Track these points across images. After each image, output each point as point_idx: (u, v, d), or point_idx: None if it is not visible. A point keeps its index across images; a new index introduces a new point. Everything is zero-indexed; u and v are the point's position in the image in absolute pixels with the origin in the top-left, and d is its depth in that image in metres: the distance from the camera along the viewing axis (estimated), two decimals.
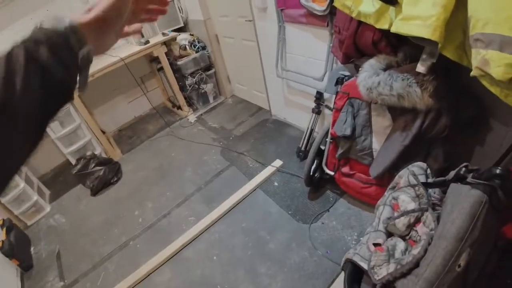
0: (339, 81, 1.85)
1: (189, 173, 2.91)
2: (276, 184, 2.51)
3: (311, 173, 2.18)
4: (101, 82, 3.21)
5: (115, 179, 3.08)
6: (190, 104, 3.84)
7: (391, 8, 1.32)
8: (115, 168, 3.12)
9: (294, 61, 2.52)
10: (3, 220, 2.66)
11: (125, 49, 3.42)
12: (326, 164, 2.11)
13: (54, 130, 3.04)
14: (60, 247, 2.64)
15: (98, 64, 3.16)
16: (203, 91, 3.71)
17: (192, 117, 3.73)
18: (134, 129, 4.00)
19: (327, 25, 1.95)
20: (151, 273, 2.12)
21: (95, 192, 2.99)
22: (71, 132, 3.14)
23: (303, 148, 2.60)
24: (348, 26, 1.60)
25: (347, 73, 1.85)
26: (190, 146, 3.28)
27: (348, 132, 1.71)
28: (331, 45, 2.01)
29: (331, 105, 2.24)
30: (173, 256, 2.18)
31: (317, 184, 2.31)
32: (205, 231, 2.29)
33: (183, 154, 3.20)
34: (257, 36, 2.77)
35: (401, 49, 1.53)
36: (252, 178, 2.60)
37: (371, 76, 1.45)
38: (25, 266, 2.56)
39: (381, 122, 1.65)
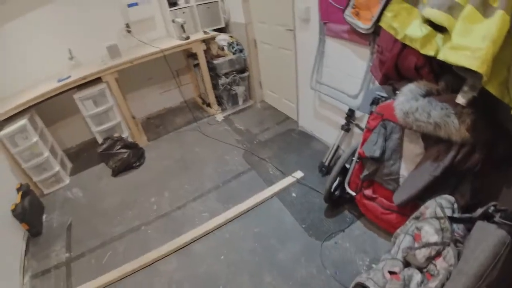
0: (375, 101, 1.82)
1: (210, 170, 2.95)
2: (294, 195, 2.49)
3: (332, 190, 2.16)
4: (139, 69, 3.33)
5: (138, 164, 3.17)
6: (219, 103, 3.89)
7: (439, 35, 1.31)
8: (139, 153, 3.22)
9: (330, 75, 2.51)
10: (21, 184, 2.80)
11: (166, 41, 3.55)
12: (348, 184, 2.08)
13: (87, 107, 3.15)
14: (72, 220, 2.74)
15: (139, 52, 3.28)
16: (234, 92, 3.76)
17: (219, 116, 3.79)
18: (162, 119, 4.10)
19: (369, 44, 1.93)
20: (157, 261, 2.15)
21: (116, 173, 3.09)
22: (103, 112, 3.25)
23: (326, 164, 2.58)
24: (391, 47, 1.58)
25: (384, 94, 1.82)
26: (214, 144, 3.32)
27: (377, 154, 1.68)
28: (370, 64, 1.99)
29: (362, 125, 2.25)
30: (181, 248, 2.21)
31: (336, 202, 2.27)
32: (217, 229, 2.30)
33: (206, 151, 3.25)
34: (296, 46, 2.79)
35: (443, 77, 1.49)
36: (271, 185, 2.59)
37: (409, 100, 1.42)
38: (34, 232, 2.66)
39: (412, 149, 1.61)
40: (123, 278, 2.09)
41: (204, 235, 2.27)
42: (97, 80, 3.12)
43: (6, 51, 3.15)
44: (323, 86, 2.59)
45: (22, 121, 2.82)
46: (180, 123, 3.89)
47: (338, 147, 2.51)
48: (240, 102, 3.90)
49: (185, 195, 2.70)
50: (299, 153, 2.94)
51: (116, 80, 3.19)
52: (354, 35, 2.02)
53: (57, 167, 3.11)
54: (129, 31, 3.61)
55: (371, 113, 1.79)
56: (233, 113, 3.85)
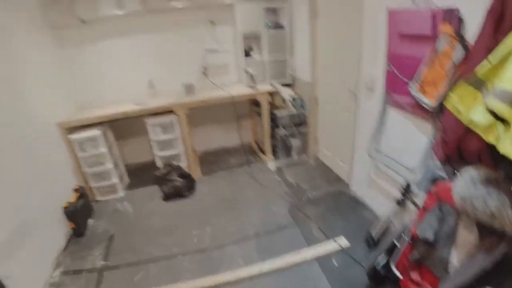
0: (434, 180, 1.76)
1: (254, 216, 2.97)
2: (335, 263, 2.36)
3: (377, 267, 2.02)
4: (208, 108, 3.63)
5: (188, 194, 3.33)
6: (274, 152, 4.00)
7: (500, 124, 1.27)
8: (191, 184, 3.39)
9: (389, 145, 2.48)
10: (80, 187, 3.09)
11: (235, 87, 3.86)
12: (396, 264, 1.93)
13: (156, 133, 3.47)
14: (116, 231, 2.92)
15: (211, 93, 3.62)
16: (289, 144, 3.85)
17: (272, 165, 3.87)
18: (218, 156, 4.32)
19: (433, 120, 1.91)
20: None
21: (167, 198, 3.26)
22: (168, 140, 3.53)
23: (374, 236, 2.45)
24: (455, 129, 1.55)
25: (443, 174, 1.75)
26: (262, 191, 3.37)
27: (430, 237, 1.59)
28: (432, 140, 1.94)
29: (418, 202, 2.13)
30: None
31: (380, 281, 2.10)
32: (250, 280, 2.25)
33: (253, 196, 3.30)
34: (357, 110, 2.83)
35: (503, 166, 1.42)
36: (313, 245, 2.52)
37: (468, 186, 1.36)
38: (78, 232, 2.88)
39: (466, 236, 1.50)
40: None
41: (236, 282, 2.23)
42: (170, 111, 3.44)
43: (97, 66, 3.71)
44: (382, 154, 2.55)
45: (96, 132, 3.21)
46: (233, 163, 4.05)
47: (389, 220, 2.39)
48: (294, 155, 3.96)
49: (225, 235, 2.73)
50: (347, 218, 2.84)
51: (185, 115, 3.48)
52: (418, 109, 2.01)
53: (116, 179, 3.40)
54: (205, 73, 4.00)
55: (428, 192, 1.72)
56: (285, 164, 3.91)
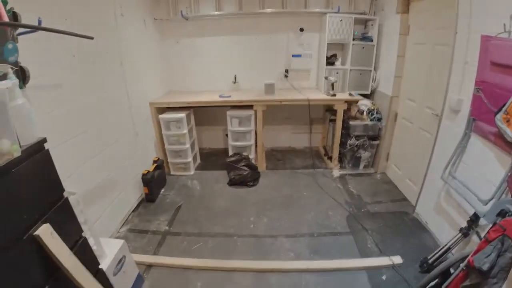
0: (502, 213, 1.69)
1: (310, 217, 3.05)
2: (384, 278, 2.33)
3: None
4: (283, 108, 3.84)
5: (251, 184, 3.58)
6: (340, 160, 4.00)
7: None
8: (256, 176, 3.62)
9: (465, 172, 2.35)
10: (158, 158, 3.56)
11: (312, 92, 3.98)
12: None
13: (233, 124, 3.78)
14: (183, 203, 3.28)
15: (289, 95, 3.79)
16: (358, 155, 3.81)
17: (336, 172, 3.88)
18: (284, 155, 4.50)
19: None
20: (235, 271, 2.36)
21: (232, 183, 3.55)
22: (242, 132, 3.81)
23: (430, 261, 2.33)
24: None
25: None
26: (322, 195, 3.43)
27: (485, 267, 1.53)
28: (509, 174, 1.82)
29: (482, 234, 2.04)
30: (260, 272, 2.35)
31: None
32: (297, 273, 2.36)
33: (313, 198, 3.38)
34: (438, 132, 2.71)
35: None
36: (365, 257, 2.51)
37: None
38: (150, 198, 3.31)
39: None
40: (202, 269, 2.38)
41: (283, 272, 2.35)
42: (248, 106, 3.72)
43: (190, 58, 4.21)
44: (455, 181, 2.41)
45: (181, 114, 3.64)
46: (298, 164, 4.17)
47: (449, 249, 2.26)
48: (361, 166, 3.90)
49: (280, 228, 2.87)
50: (405, 239, 2.73)
51: (262, 112, 3.72)
52: (500, 140, 1.91)
53: (190, 159, 3.82)
54: (286, 76, 4.21)
55: (494, 224, 1.65)
56: (350, 174, 3.88)
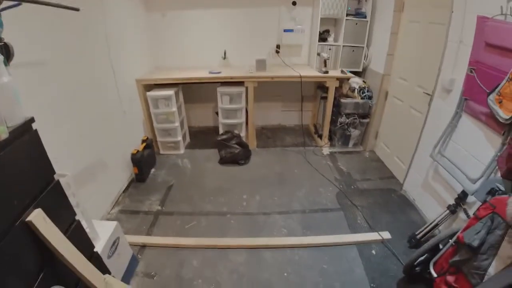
0: (492, 192, 1.76)
1: (301, 194, 3.09)
2: (373, 252, 2.42)
3: (414, 264, 2.04)
4: (274, 85, 3.76)
5: (243, 162, 3.58)
6: (330, 138, 4.03)
7: None
8: (247, 154, 3.61)
9: (454, 151, 2.41)
10: (147, 138, 3.49)
11: (304, 69, 3.91)
12: (434, 264, 1.94)
13: (223, 101, 3.71)
14: (174, 183, 3.26)
15: (280, 71, 3.72)
16: (348, 133, 3.84)
17: (326, 150, 3.92)
18: (275, 133, 4.50)
19: (503, 134, 1.85)
20: (229, 248, 2.40)
21: (223, 162, 3.55)
22: (233, 109, 3.76)
23: (418, 237, 2.43)
24: None
25: (502, 188, 1.74)
26: (313, 172, 3.47)
27: (475, 243, 1.60)
28: (498, 154, 1.89)
29: (470, 212, 2.15)
30: (254, 248, 2.40)
31: (414, 277, 2.13)
32: (290, 248, 2.42)
33: (304, 176, 3.42)
34: (429, 111, 2.74)
35: None
36: (355, 232, 2.59)
37: None
38: (140, 178, 3.28)
39: (509, 250, 1.52)
40: (196, 248, 2.41)
41: (277, 248, 2.40)
42: (239, 83, 3.63)
43: (178, 33, 4.03)
44: (444, 159, 2.47)
45: (170, 92, 3.54)
46: (289, 142, 4.17)
47: (436, 225, 2.36)
48: (350, 144, 3.95)
49: (272, 205, 2.91)
50: (393, 215, 2.82)
51: (253, 88, 3.64)
52: (491, 120, 1.95)
53: (180, 138, 3.76)
54: (277, 52, 4.11)
55: (484, 202, 1.71)
56: (340, 152, 3.93)
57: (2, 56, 1.03)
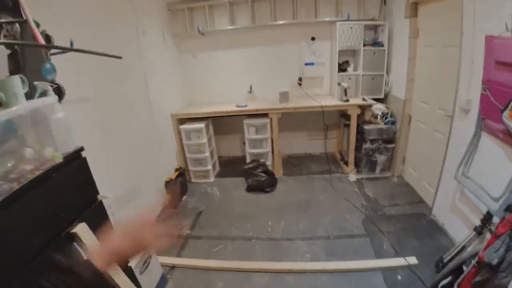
0: (510, 208, 1.73)
1: (326, 220, 3.12)
2: (399, 278, 2.36)
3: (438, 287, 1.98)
4: (297, 115, 3.95)
5: (269, 189, 3.70)
6: (357, 165, 4.04)
7: None
8: (273, 182, 3.74)
9: (477, 171, 2.36)
10: (180, 166, 3.76)
11: (326, 98, 4.07)
12: (458, 286, 1.88)
13: (250, 132, 3.93)
14: (204, 209, 3.44)
15: (303, 102, 3.90)
16: (374, 159, 3.84)
17: (352, 177, 3.93)
18: (301, 161, 4.60)
19: None
20: (253, 271, 2.47)
21: (250, 189, 3.69)
22: (259, 140, 3.96)
23: (445, 261, 2.35)
24: None
25: None
26: (339, 199, 3.49)
27: (494, 262, 1.56)
28: None
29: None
30: (277, 272, 2.46)
31: None
32: (313, 274, 2.43)
33: (329, 203, 3.44)
34: (450, 132, 2.73)
35: None
36: (380, 258, 2.54)
37: None
38: (173, 204, 3.46)
39: None
40: (222, 270, 2.51)
41: (300, 273, 2.44)
42: (264, 114, 3.86)
43: (207, 71, 4.43)
44: (468, 180, 2.42)
45: (201, 125, 3.84)
46: (314, 170, 4.25)
47: (464, 248, 2.27)
48: (377, 170, 3.93)
49: (296, 231, 2.96)
50: (421, 241, 2.74)
51: (278, 119, 3.85)
52: (508, 137, 1.94)
53: (210, 167, 4.01)
54: (300, 84, 4.33)
55: (502, 219, 1.68)
56: (366, 178, 3.91)
57: (56, 96, 1.32)
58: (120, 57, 1.95)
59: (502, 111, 1.93)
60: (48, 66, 1.38)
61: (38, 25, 1.33)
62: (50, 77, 1.38)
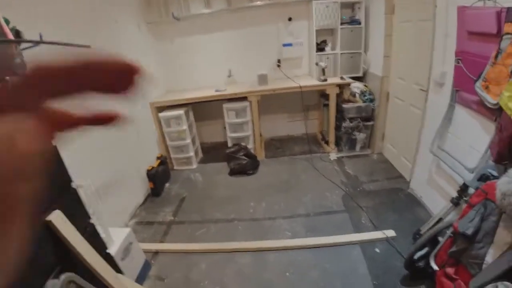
0: (483, 178, 1.76)
1: (307, 199, 3.17)
2: (377, 250, 2.44)
3: (416, 258, 2.06)
4: (277, 97, 3.94)
5: (251, 172, 3.73)
6: (337, 143, 4.09)
7: None
8: (255, 165, 3.76)
9: (452, 143, 2.42)
10: (161, 155, 3.75)
11: (306, 79, 4.06)
12: (435, 256, 1.95)
13: (230, 116, 3.93)
14: (187, 195, 3.45)
15: (282, 84, 3.89)
16: (354, 137, 3.90)
17: (333, 155, 3.98)
18: (283, 143, 4.63)
19: (495, 120, 1.85)
20: (236, 252, 2.51)
21: (232, 173, 3.71)
22: (240, 123, 3.96)
23: (422, 233, 2.43)
24: (509, 126, 1.53)
25: (494, 173, 1.74)
26: (319, 178, 3.54)
27: (469, 232, 1.60)
28: (491, 139, 1.89)
29: None
30: (258, 251, 2.50)
31: (417, 272, 2.13)
32: (293, 250, 2.49)
33: (310, 181, 3.49)
34: (426, 107, 2.78)
35: None
36: (359, 232, 2.62)
37: (510, 182, 1.35)
38: (155, 192, 3.49)
39: (504, 236, 1.50)
40: (205, 252, 2.54)
41: (281, 250, 2.50)
42: (244, 98, 3.84)
43: (185, 57, 4.34)
44: (444, 153, 2.48)
45: (180, 111, 3.79)
46: (296, 150, 4.29)
47: (440, 219, 2.34)
48: (357, 148, 3.99)
49: (278, 211, 3.01)
50: (400, 214, 2.83)
51: (257, 102, 3.84)
52: (482, 108, 1.98)
53: (192, 153, 3.99)
54: (278, 66, 4.31)
55: (476, 189, 1.72)
56: (347, 156, 3.97)
57: None
58: (88, 46, 1.88)
59: (475, 81, 1.96)
60: (18, 61, 1.37)
61: (7, 22, 1.32)
62: (21, 72, 1.37)
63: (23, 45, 1.53)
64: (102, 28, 2.92)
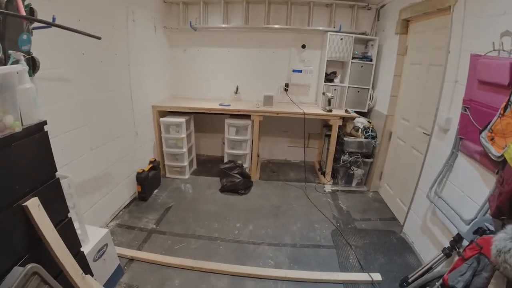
0: (479, 231, 1.69)
1: (295, 228, 3.06)
2: None
3: None
4: (280, 120, 3.93)
5: (243, 192, 3.64)
6: (334, 176, 4.02)
7: None
8: (248, 185, 3.68)
9: (450, 191, 2.35)
10: (155, 159, 3.67)
11: (310, 107, 4.06)
12: None
13: (230, 132, 3.88)
14: (174, 205, 3.36)
15: (287, 108, 3.87)
16: (351, 172, 3.83)
17: (328, 187, 3.90)
18: (279, 167, 4.56)
19: (497, 172, 1.79)
20: (213, 273, 2.38)
21: (223, 190, 3.63)
22: (239, 141, 3.91)
23: (410, 280, 2.31)
24: (511, 180, 1.47)
25: (491, 228, 1.68)
26: (311, 208, 3.45)
27: (459, 286, 1.52)
28: (491, 192, 1.83)
29: None
30: (237, 276, 2.37)
31: None
32: (273, 280, 2.36)
33: (301, 210, 3.39)
34: (427, 151, 2.73)
35: None
36: (345, 271, 2.50)
37: (507, 239, 1.28)
38: (142, 197, 3.40)
39: None
40: (181, 268, 2.41)
41: (261, 278, 2.36)
42: (247, 116, 3.82)
43: (195, 66, 4.38)
44: (441, 200, 2.41)
45: (182, 119, 3.76)
46: (292, 177, 4.21)
47: (430, 269, 2.24)
48: (354, 183, 3.92)
49: (264, 236, 2.90)
50: (389, 258, 2.71)
51: (259, 122, 3.81)
52: (485, 159, 1.92)
53: (186, 163, 3.93)
54: (286, 90, 4.33)
55: (471, 242, 1.65)
56: (342, 190, 3.89)
57: (27, 67, 1.26)
58: (99, 38, 1.88)
59: (481, 131, 1.91)
60: (24, 37, 1.37)
61: None
62: (25, 48, 1.36)
63: (35, 24, 1.52)
64: (118, 23, 2.93)
